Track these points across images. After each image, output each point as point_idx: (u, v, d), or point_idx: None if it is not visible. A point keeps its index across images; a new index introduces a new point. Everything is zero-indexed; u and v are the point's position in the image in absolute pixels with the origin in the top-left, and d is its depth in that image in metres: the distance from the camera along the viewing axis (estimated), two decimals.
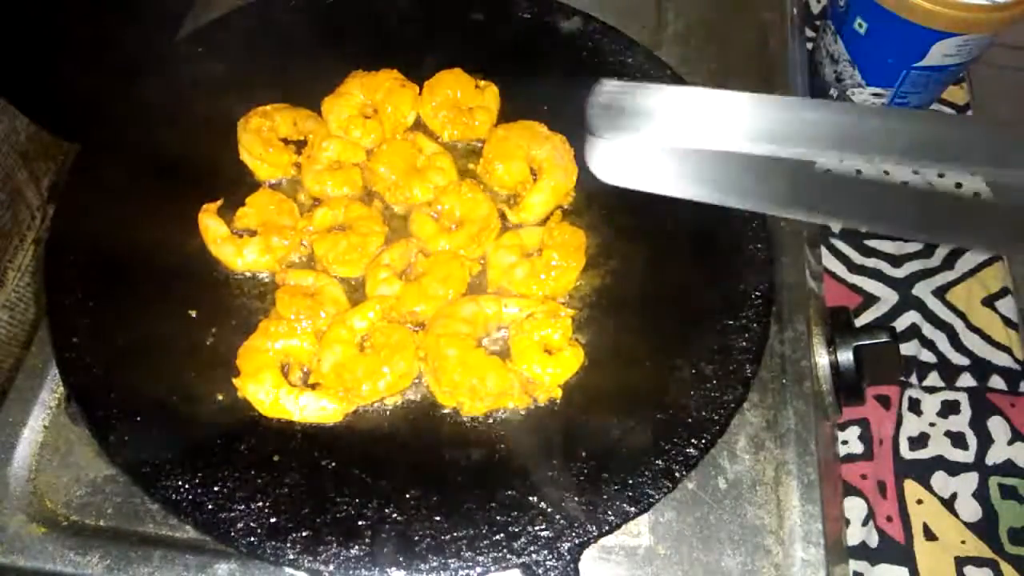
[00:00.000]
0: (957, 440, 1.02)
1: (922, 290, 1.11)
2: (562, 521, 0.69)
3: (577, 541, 0.69)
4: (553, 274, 0.82)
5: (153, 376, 0.76)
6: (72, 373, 0.75)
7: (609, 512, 0.70)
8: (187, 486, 0.70)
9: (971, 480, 0.99)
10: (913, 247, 1.14)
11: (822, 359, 0.84)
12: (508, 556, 0.68)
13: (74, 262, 0.81)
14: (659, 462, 0.72)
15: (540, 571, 0.68)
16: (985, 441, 1.01)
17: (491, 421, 0.77)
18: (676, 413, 0.74)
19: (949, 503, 0.98)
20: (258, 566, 0.74)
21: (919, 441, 1.02)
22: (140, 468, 0.71)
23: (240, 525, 0.69)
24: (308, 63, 0.95)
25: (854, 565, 0.94)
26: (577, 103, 0.93)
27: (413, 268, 0.85)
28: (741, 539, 0.76)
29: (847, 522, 0.96)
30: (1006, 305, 1.10)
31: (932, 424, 1.03)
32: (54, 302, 0.79)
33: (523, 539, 0.69)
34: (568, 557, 0.68)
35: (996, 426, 1.02)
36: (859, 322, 1.08)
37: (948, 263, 1.13)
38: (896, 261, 1.13)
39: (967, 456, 1.01)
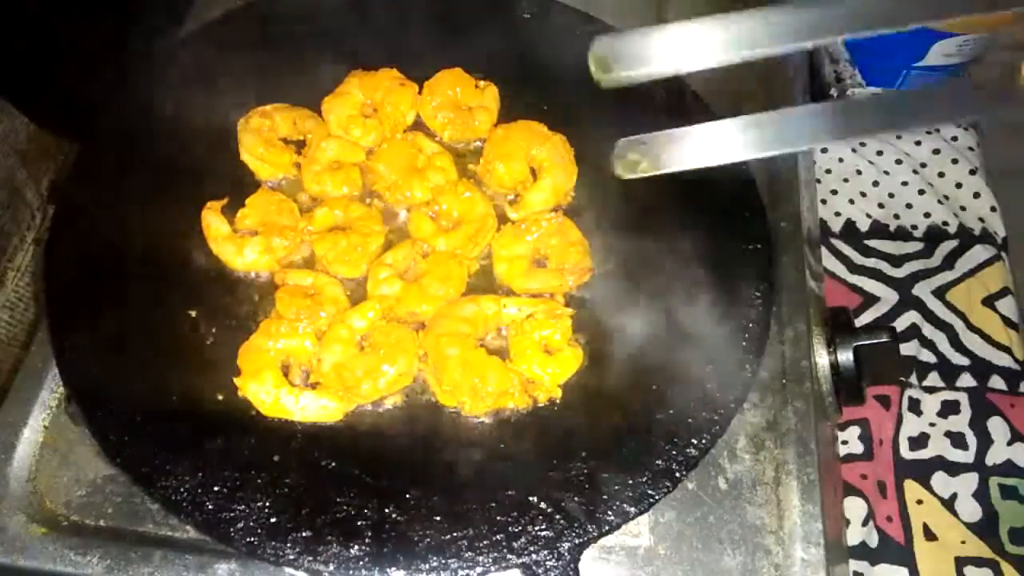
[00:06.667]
0: (957, 440, 1.01)
1: (922, 290, 1.11)
2: (562, 521, 0.69)
3: (577, 541, 0.69)
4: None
5: (153, 376, 0.76)
6: (72, 373, 0.75)
7: (609, 512, 0.70)
8: (187, 486, 0.70)
9: (971, 480, 0.99)
10: (913, 247, 1.14)
11: (822, 359, 0.84)
12: (508, 556, 0.68)
13: (73, 262, 0.81)
14: (659, 462, 0.72)
15: (540, 571, 0.68)
16: (985, 441, 1.01)
17: (491, 421, 0.77)
18: (676, 413, 0.75)
19: (949, 503, 0.98)
20: (258, 566, 0.74)
21: (919, 441, 1.02)
22: (140, 468, 0.71)
23: (240, 525, 0.69)
24: (308, 63, 0.95)
25: (854, 565, 0.94)
26: (577, 103, 0.94)
27: (412, 268, 0.85)
28: (741, 539, 0.76)
29: (847, 522, 0.96)
30: (1006, 305, 1.10)
31: (932, 424, 1.03)
32: (54, 302, 0.79)
33: (523, 539, 0.69)
34: (568, 557, 0.68)
35: (996, 426, 1.02)
36: (859, 322, 1.08)
37: (948, 263, 1.13)
38: (896, 261, 1.13)
39: (967, 456, 1.00)
